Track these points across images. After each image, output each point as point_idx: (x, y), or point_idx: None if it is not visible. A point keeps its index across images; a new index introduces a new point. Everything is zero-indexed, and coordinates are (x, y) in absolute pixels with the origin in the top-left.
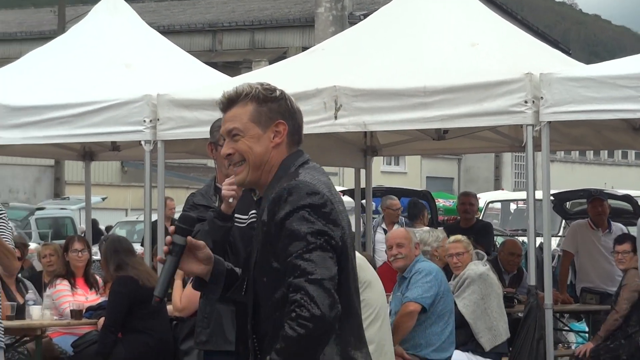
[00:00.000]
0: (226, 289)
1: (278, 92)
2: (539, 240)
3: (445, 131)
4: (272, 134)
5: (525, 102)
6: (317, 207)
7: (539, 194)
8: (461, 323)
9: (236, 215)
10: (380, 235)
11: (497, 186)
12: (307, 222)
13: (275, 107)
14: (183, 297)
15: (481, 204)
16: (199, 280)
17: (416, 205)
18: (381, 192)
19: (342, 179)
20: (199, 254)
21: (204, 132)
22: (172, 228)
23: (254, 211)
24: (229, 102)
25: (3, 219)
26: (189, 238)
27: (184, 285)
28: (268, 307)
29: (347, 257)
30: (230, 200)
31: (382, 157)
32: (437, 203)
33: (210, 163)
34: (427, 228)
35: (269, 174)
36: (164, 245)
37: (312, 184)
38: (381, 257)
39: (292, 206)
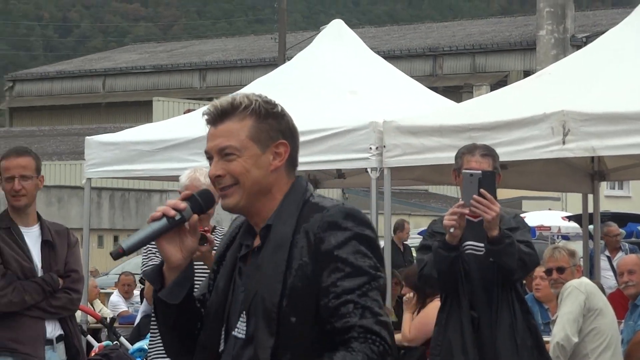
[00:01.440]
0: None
1: (279, 108)
2: None
3: None
4: (271, 155)
5: None
6: (372, 240)
7: None
8: None
9: (472, 243)
10: (603, 262)
11: None
12: (365, 256)
13: (275, 124)
14: (412, 327)
15: None
16: (159, 277)
17: None
18: (607, 218)
19: (565, 204)
20: (187, 241)
21: (430, 158)
22: (186, 193)
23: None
24: (221, 114)
25: None
26: (195, 217)
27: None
28: (299, 350)
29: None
30: (451, 230)
31: (610, 182)
32: None
33: (432, 189)
34: None
35: (271, 201)
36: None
37: (362, 213)
38: (604, 284)
39: (349, 234)
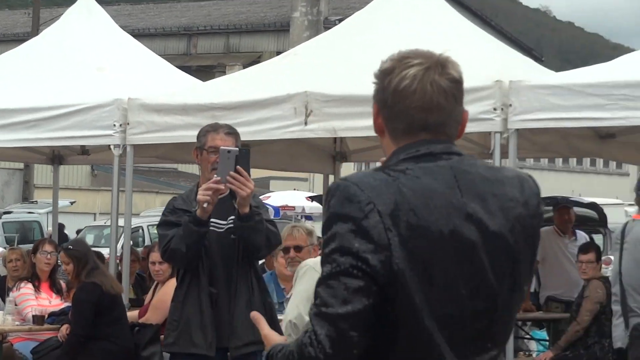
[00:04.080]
0: None
1: None
2: None
3: None
4: None
5: (494, 109)
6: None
7: None
8: None
9: (214, 220)
10: None
11: None
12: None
13: None
14: (151, 307)
15: None
16: None
17: None
18: None
19: (313, 185)
20: None
21: (173, 136)
22: None
23: (232, 217)
24: None
25: None
26: None
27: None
28: None
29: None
30: (205, 205)
31: (352, 164)
32: None
33: (181, 167)
34: None
35: None
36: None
37: None
38: None
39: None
